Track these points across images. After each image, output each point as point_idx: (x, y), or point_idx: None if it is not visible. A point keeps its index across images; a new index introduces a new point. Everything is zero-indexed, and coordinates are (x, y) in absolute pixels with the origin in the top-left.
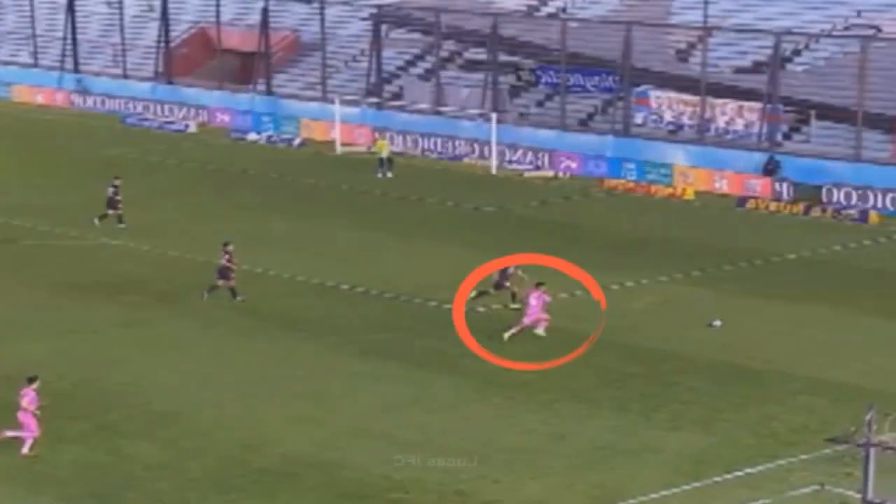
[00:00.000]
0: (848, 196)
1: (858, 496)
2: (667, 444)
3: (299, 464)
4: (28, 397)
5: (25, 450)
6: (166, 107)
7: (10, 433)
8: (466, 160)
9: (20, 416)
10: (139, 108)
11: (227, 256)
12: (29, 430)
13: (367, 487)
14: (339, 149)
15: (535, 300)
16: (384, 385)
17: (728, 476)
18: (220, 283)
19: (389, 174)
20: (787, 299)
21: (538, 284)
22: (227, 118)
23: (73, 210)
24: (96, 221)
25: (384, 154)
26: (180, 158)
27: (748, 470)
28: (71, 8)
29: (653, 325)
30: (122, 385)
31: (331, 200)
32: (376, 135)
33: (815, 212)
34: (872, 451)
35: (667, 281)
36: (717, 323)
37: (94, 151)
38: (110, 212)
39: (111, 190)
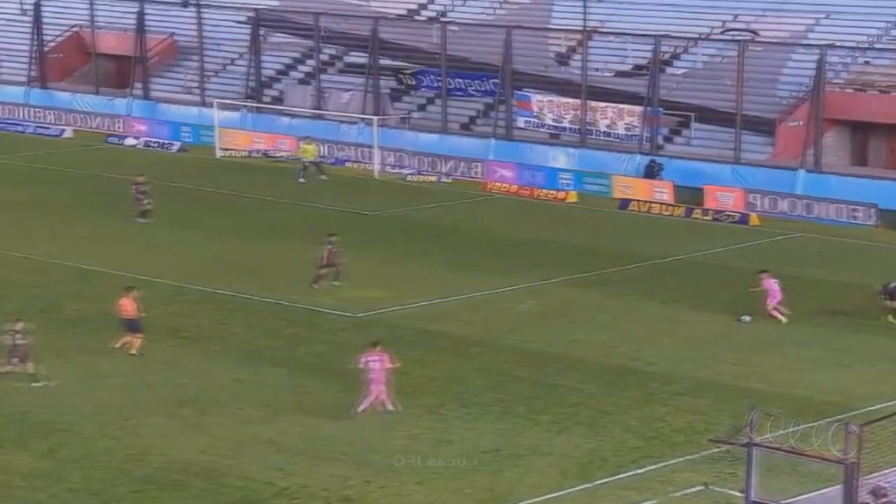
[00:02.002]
0: (728, 198)
1: (742, 496)
2: (553, 447)
3: (184, 472)
4: None
5: None
6: (41, 111)
7: None
8: (349, 164)
9: None
10: (12, 114)
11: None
12: None
13: (253, 494)
14: (218, 153)
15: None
16: (268, 391)
17: (615, 478)
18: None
19: (323, 177)
20: (668, 301)
21: None
22: (103, 123)
23: None
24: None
25: (310, 158)
26: (54, 164)
27: (635, 471)
28: None
29: (536, 328)
30: None
31: (212, 206)
32: (302, 139)
33: (696, 214)
34: (755, 451)
35: (549, 283)
36: (747, 318)
37: None
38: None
39: (133, 189)
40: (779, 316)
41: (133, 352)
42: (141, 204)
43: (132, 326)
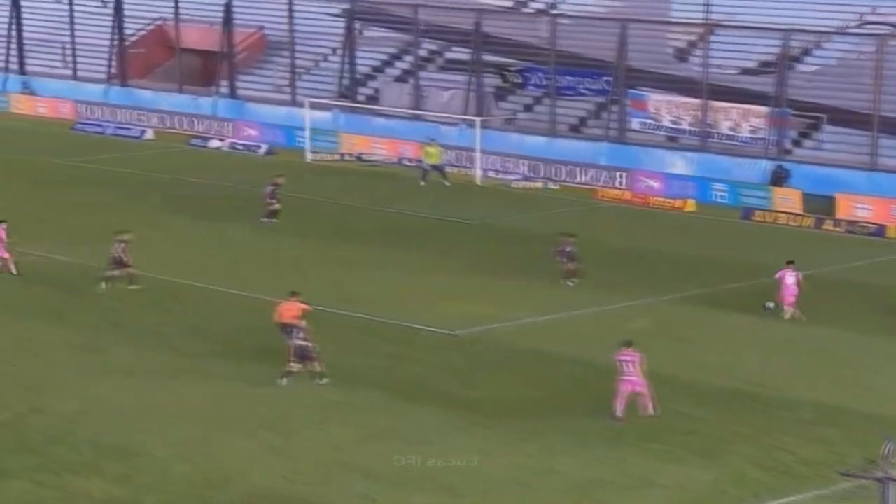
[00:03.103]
0: (864, 208)
1: None
2: (667, 478)
3: (266, 499)
4: None
5: None
6: (120, 111)
7: None
8: (449, 169)
9: None
10: (91, 113)
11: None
12: None
13: None
14: (309, 157)
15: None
16: (360, 414)
17: None
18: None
19: (447, 182)
20: (793, 320)
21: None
22: (186, 124)
23: (15, 224)
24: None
25: (434, 162)
26: (133, 167)
27: None
28: (16, 3)
29: (648, 348)
30: (70, 415)
31: (299, 212)
32: (426, 143)
33: (828, 224)
34: (891, 486)
35: (664, 299)
36: (770, 305)
37: (41, 160)
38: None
39: (269, 189)
40: (790, 310)
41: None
42: (272, 205)
43: (286, 330)
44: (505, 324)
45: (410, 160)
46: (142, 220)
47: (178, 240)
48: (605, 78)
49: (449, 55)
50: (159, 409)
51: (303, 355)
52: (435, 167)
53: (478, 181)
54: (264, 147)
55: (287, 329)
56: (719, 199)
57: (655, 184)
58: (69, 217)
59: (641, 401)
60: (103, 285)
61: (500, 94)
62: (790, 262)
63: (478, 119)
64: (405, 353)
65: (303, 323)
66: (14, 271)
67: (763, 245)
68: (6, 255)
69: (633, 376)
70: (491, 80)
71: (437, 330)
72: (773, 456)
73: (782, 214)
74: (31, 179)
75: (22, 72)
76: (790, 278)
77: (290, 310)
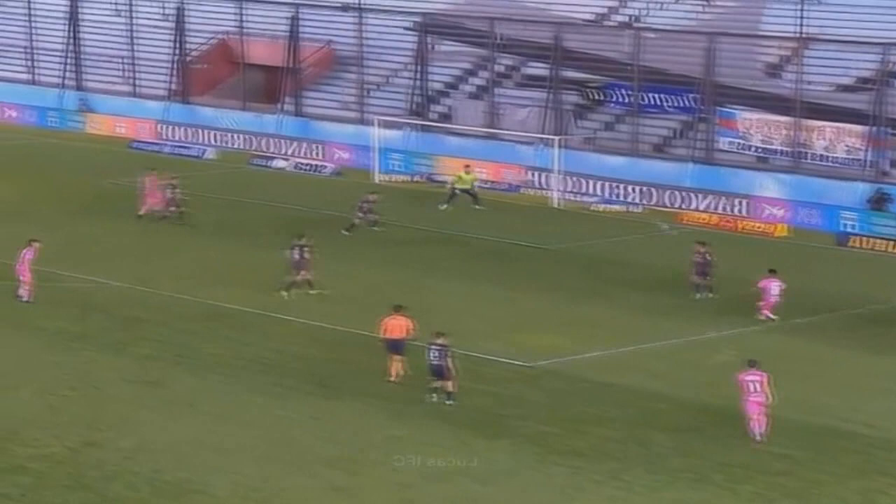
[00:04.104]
0: None
1: None
2: None
3: None
4: None
5: None
6: (181, 129)
7: None
8: (524, 191)
9: None
10: (150, 131)
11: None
12: None
13: None
14: (377, 178)
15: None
16: (426, 451)
17: None
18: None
19: (479, 207)
20: (890, 354)
21: None
22: (250, 143)
23: (74, 248)
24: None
25: (464, 186)
26: (193, 189)
27: None
28: (73, 16)
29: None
30: (128, 450)
31: (374, 239)
32: (464, 168)
33: None
34: None
35: (751, 330)
36: (665, 227)
37: (98, 181)
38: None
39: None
40: (767, 315)
41: (393, 378)
42: (358, 217)
43: (394, 348)
44: (582, 355)
45: (484, 182)
46: (199, 244)
47: (236, 264)
48: (692, 95)
49: (526, 71)
50: (220, 444)
51: (437, 373)
52: (466, 191)
53: (555, 204)
54: (331, 167)
55: (394, 345)
56: (812, 224)
57: (744, 207)
58: (124, 241)
59: (759, 422)
60: (284, 293)
61: (580, 112)
62: (772, 271)
63: (556, 138)
64: (476, 385)
65: (407, 338)
66: (28, 298)
67: (859, 273)
68: (26, 279)
69: (759, 396)
70: (570, 97)
71: (509, 361)
72: (870, 498)
73: (880, 241)
74: (85, 201)
75: (79, 88)
76: (775, 286)
77: (397, 326)
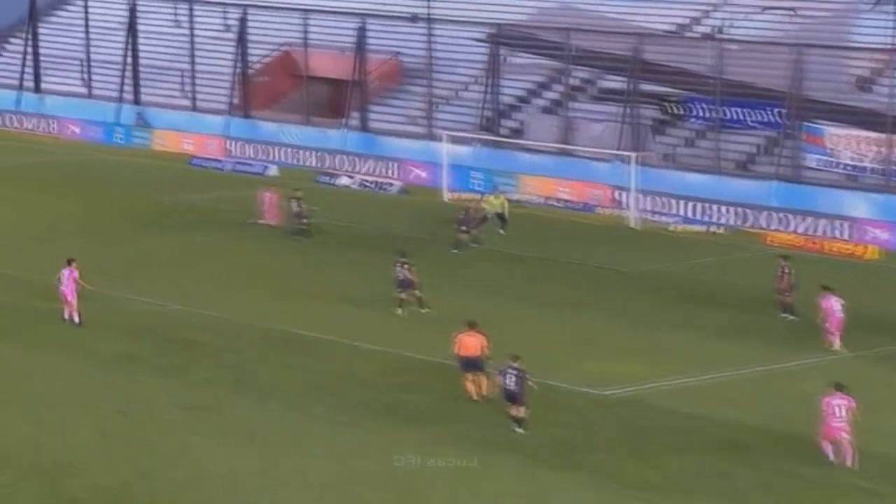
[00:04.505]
0: None
1: None
2: None
3: None
4: None
5: None
6: (242, 145)
7: None
8: (599, 210)
9: None
10: (210, 147)
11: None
12: None
13: None
14: (446, 196)
15: None
16: (496, 483)
17: None
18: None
19: (501, 231)
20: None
21: None
22: (313, 159)
23: (128, 267)
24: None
25: (494, 209)
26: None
27: None
28: (132, 28)
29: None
30: (181, 481)
31: (441, 261)
32: (492, 192)
33: None
34: None
35: (841, 358)
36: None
37: (156, 198)
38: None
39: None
40: (833, 341)
41: (484, 394)
42: (460, 231)
43: (471, 366)
44: (659, 384)
45: (559, 200)
46: (259, 264)
47: (299, 286)
48: (777, 109)
49: (602, 84)
50: (279, 477)
51: (513, 398)
52: (499, 215)
53: (632, 224)
54: (397, 185)
55: (470, 364)
56: None
57: (832, 228)
58: (181, 261)
59: (844, 449)
60: (399, 310)
61: (659, 128)
62: (826, 288)
63: (633, 155)
64: (547, 414)
65: (484, 356)
66: (78, 321)
67: None
68: (72, 300)
69: (842, 422)
70: (648, 112)
71: (583, 390)
72: None
73: None
74: (141, 220)
75: (136, 101)
76: (836, 303)
77: (472, 344)
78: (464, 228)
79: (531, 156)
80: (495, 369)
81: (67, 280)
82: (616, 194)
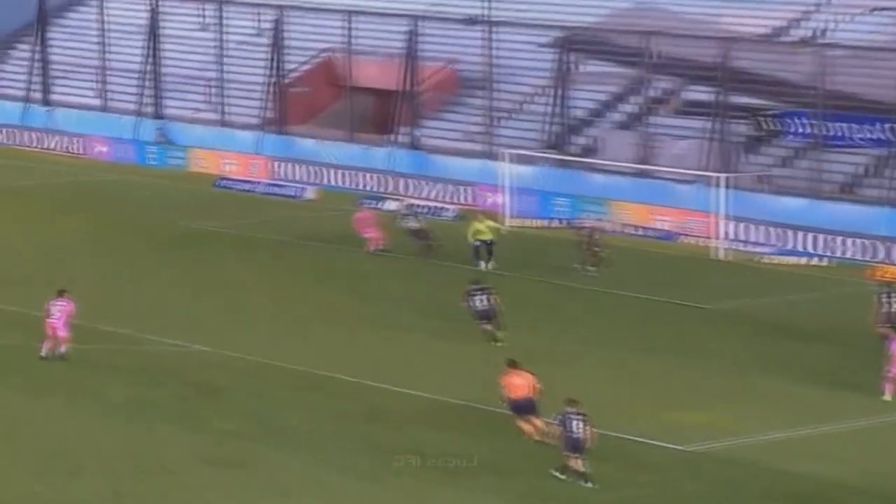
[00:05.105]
0: None
1: None
2: None
3: None
4: None
5: None
6: (276, 164)
7: None
8: (682, 239)
9: None
10: (239, 166)
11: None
12: None
13: None
14: (507, 222)
15: None
16: None
17: None
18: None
19: (489, 264)
20: None
21: None
22: (356, 180)
23: (143, 303)
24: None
25: (488, 237)
26: (293, 235)
27: None
28: (153, 33)
29: None
30: None
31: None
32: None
33: None
34: None
35: None
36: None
37: (176, 224)
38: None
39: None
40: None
41: (537, 438)
42: (591, 252)
43: (525, 409)
44: (749, 438)
45: (636, 227)
46: (292, 297)
47: (338, 323)
48: (888, 125)
49: (687, 95)
50: None
51: (575, 447)
52: (479, 246)
53: (719, 254)
54: (452, 209)
55: (523, 406)
56: None
57: None
58: (203, 297)
59: None
60: (497, 343)
61: (751, 145)
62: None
63: (721, 176)
64: (622, 473)
65: (535, 396)
66: (62, 352)
67: None
68: (63, 335)
69: None
70: (739, 127)
71: (662, 444)
72: None
73: None
74: (159, 249)
75: (158, 115)
76: None
77: (522, 384)
78: (595, 249)
79: (605, 177)
80: (552, 417)
81: (59, 313)
82: (701, 221)
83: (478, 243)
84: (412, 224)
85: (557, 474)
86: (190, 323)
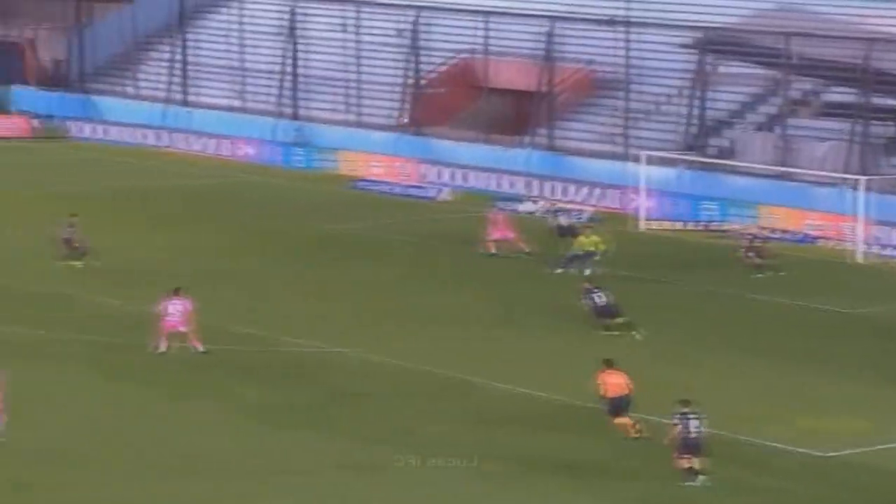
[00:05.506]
0: None
1: None
2: None
3: None
4: None
5: None
6: (413, 165)
7: None
8: (821, 242)
9: None
10: (376, 167)
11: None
12: None
13: None
14: (642, 225)
15: None
16: None
17: None
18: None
19: (588, 271)
20: None
21: None
22: (492, 181)
23: (283, 306)
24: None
25: (591, 249)
26: (429, 236)
27: None
28: (292, 34)
29: None
30: None
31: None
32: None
33: None
34: None
35: None
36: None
37: (313, 226)
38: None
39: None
40: None
41: (634, 434)
42: (754, 257)
43: (622, 407)
44: (886, 445)
45: (774, 231)
46: (429, 301)
47: (474, 324)
48: None
49: (828, 97)
50: None
51: (696, 448)
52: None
53: (858, 258)
54: (588, 211)
55: (622, 404)
56: None
57: None
58: (339, 299)
59: None
60: (637, 335)
61: (892, 147)
62: None
63: (863, 179)
64: (753, 478)
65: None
66: (198, 349)
67: None
68: (185, 330)
69: None
70: (881, 129)
71: (796, 450)
72: None
73: None
74: (295, 251)
75: (295, 116)
76: None
77: (619, 383)
78: (751, 255)
79: (743, 179)
80: (670, 418)
81: (176, 312)
82: (841, 224)
83: (580, 253)
84: (563, 221)
85: (690, 483)
86: (326, 325)
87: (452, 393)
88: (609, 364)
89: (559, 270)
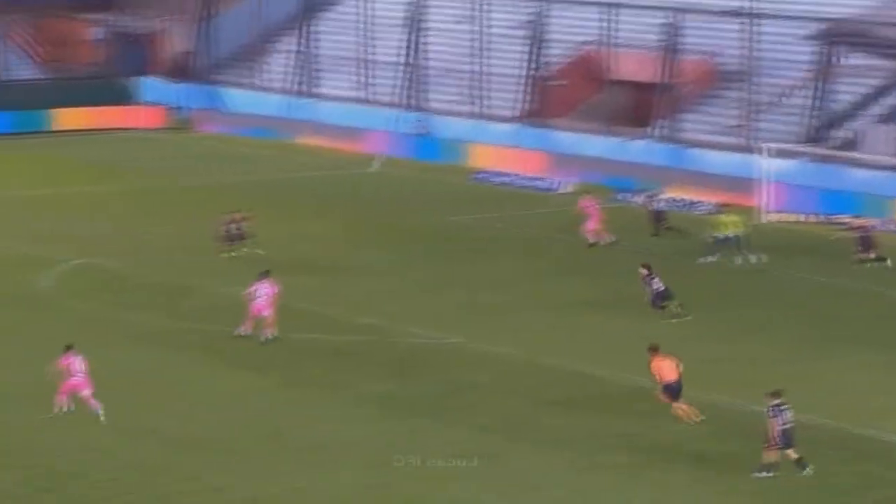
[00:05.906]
0: None
1: None
2: None
3: None
4: None
5: None
6: (533, 157)
7: None
8: None
9: None
10: (497, 159)
11: None
12: None
13: None
14: (764, 218)
15: None
16: None
17: None
18: None
19: (752, 258)
20: None
21: None
22: (613, 173)
23: (403, 296)
24: None
25: (727, 232)
26: (549, 228)
27: None
28: (414, 26)
29: None
30: None
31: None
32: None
33: None
34: None
35: None
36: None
37: (433, 217)
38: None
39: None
40: None
41: (695, 419)
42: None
43: (677, 391)
44: None
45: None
46: (546, 293)
47: (590, 315)
48: None
49: None
50: None
51: (791, 439)
52: (731, 239)
53: None
54: (709, 203)
55: (676, 388)
56: None
57: None
58: (457, 290)
59: None
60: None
61: None
62: None
63: None
64: (869, 471)
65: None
66: (268, 336)
67: None
68: (267, 314)
69: None
70: None
71: None
72: None
73: None
74: (414, 242)
75: (417, 107)
76: None
77: (671, 367)
78: (860, 249)
79: (866, 172)
80: (765, 410)
81: (264, 295)
82: None
83: (721, 237)
84: (660, 206)
85: (764, 474)
86: (444, 316)
87: (567, 384)
88: (655, 350)
89: (710, 259)
